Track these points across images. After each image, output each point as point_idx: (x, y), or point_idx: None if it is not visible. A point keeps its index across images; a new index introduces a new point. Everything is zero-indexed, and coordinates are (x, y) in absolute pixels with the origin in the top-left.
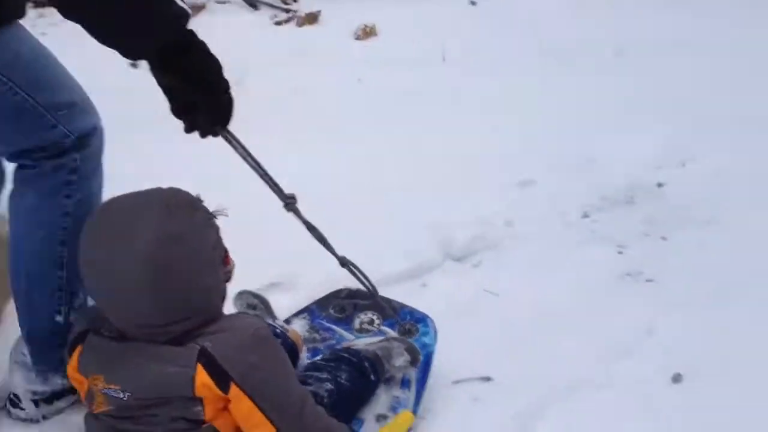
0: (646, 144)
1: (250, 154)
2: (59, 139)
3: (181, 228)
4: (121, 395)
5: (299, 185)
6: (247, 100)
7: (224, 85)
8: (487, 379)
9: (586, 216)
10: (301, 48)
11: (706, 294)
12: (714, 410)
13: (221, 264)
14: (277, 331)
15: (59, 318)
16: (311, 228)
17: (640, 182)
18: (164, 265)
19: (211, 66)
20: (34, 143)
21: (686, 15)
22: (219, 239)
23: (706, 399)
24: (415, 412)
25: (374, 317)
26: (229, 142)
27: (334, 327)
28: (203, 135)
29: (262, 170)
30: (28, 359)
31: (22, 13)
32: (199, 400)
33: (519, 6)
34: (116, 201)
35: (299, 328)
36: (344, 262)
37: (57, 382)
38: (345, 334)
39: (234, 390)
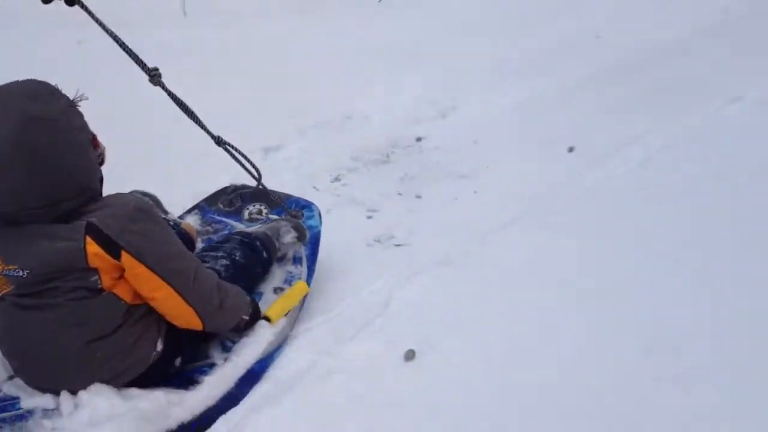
0: (406, 97)
1: (105, 26)
2: None
3: (44, 111)
4: (21, 273)
5: None
6: None
7: None
8: None
9: (336, 180)
10: (18, 8)
11: (451, 257)
12: (446, 387)
13: (90, 146)
14: (170, 223)
15: None
16: (180, 103)
17: (398, 138)
18: (30, 145)
19: None
20: None
21: None
22: (84, 123)
23: (438, 375)
24: (308, 283)
25: (262, 207)
26: (88, 13)
27: (224, 219)
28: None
29: (120, 41)
30: None
31: None
32: (95, 270)
33: None
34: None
35: (192, 222)
36: (219, 141)
37: None
38: (236, 224)
39: (125, 257)
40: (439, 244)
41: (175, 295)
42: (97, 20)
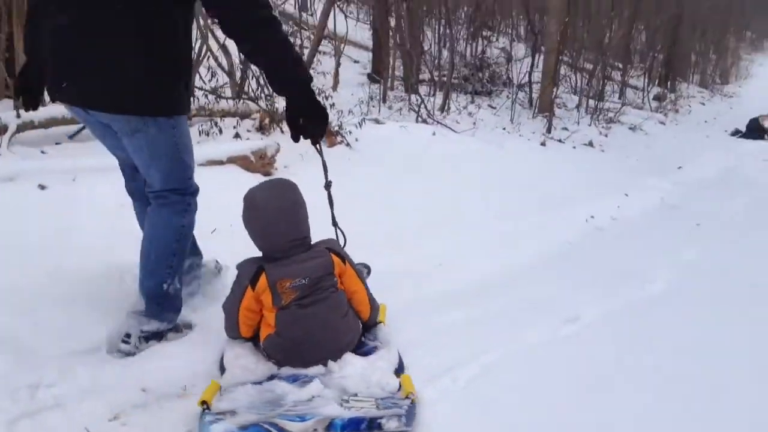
0: None
1: (324, 159)
2: (187, 188)
3: (297, 190)
4: (305, 281)
5: None
6: None
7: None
8: None
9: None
10: None
11: None
12: None
13: None
14: None
15: (165, 287)
16: (332, 203)
17: None
18: (299, 205)
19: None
20: (176, 186)
21: None
22: None
23: None
24: None
25: None
26: (319, 146)
27: None
28: (315, 142)
29: (324, 162)
30: (141, 309)
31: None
32: (335, 274)
33: None
34: (262, 185)
35: None
36: (335, 223)
37: (155, 325)
38: None
39: (347, 264)
40: None
41: (364, 291)
42: (323, 159)
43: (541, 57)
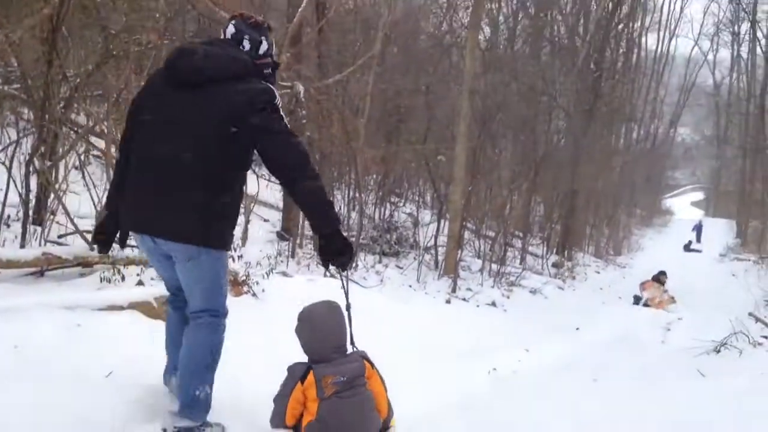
0: None
1: (347, 288)
2: (220, 309)
3: (342, 310)
4: (343, 378)
5: None
6: None
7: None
8: None
9: None
10: None
11: None
12: None
13: None
14: None
15: (197, 393)
16: (350, 323)
17: None
18: (343, 321)
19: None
20: (212, 307)
21: None
22: None
23: None
24: None
25: None
26: (346, 274)
27: None
28: (344, 270)
29: (347, 287)
30: (176, 409)
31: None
32: (365, 377)
33: None
34: (315, 306)
35: None
36: (352, 342)
37: (186, 423)
38: None
39: (374, 370)
40: None
41: (385, 395)
42: (344, 283)
43: (446, 222)
